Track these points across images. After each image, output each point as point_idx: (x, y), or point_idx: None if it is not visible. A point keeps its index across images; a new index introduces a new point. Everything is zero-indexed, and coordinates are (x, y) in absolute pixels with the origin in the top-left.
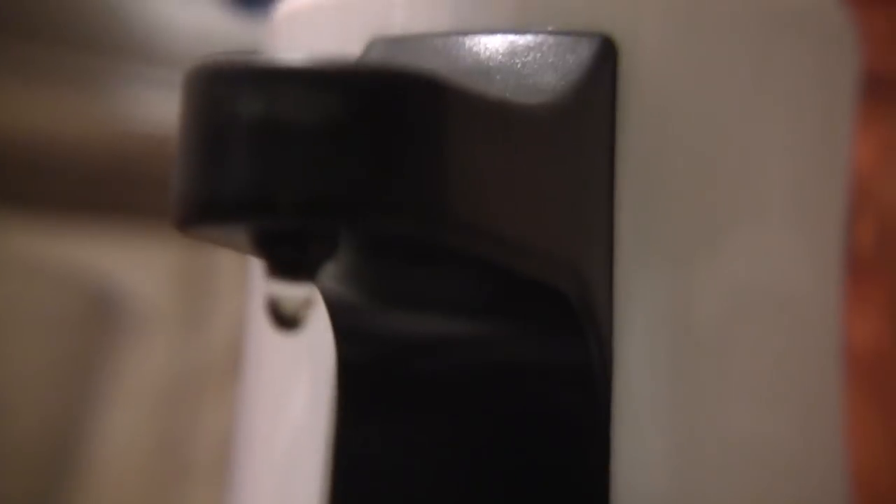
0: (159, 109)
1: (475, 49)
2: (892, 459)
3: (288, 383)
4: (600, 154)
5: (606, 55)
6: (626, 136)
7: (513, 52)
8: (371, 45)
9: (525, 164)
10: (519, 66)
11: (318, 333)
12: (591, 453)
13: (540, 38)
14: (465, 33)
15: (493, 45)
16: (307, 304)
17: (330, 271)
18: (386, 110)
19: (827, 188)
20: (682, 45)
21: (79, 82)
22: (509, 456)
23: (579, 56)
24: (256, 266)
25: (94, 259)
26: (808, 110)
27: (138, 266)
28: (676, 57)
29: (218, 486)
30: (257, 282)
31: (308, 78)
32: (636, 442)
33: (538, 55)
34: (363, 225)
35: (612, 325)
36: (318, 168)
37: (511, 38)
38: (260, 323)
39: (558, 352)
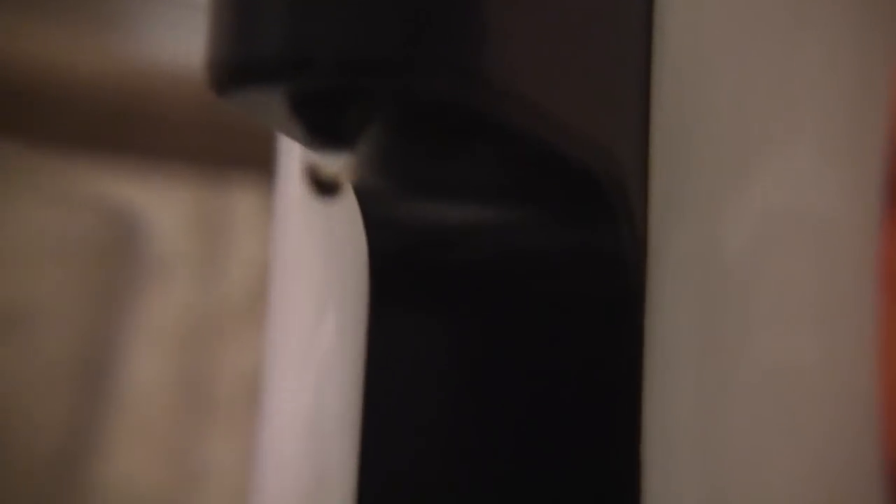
0: (181, 51)
1: None
2: None
3: (320, 310)
4: (639, 43)
5: None
6: (665, 28)
7: None
8: None
9: (565, 36)
10: None
11: (349, 258)
12: (623, 346)
13: None
14: None
15: None
16: (346, 169)
17: (362, 155)
18: None
19: (865, 118)
20: None
21: (101, 19)
22: (539, 349)
23: None
24: (280, 197)
25: (117, 193)
26: (848, 36)
27: (158, 204)
28: None
29: (239, 421)
30: (283, 213)
31: None
32: (667, 344)
33: None
34: (397, 83)
35: (646, 219)
36: (355, 26)
37: None
38: (285, 255)
39: (592, 241)
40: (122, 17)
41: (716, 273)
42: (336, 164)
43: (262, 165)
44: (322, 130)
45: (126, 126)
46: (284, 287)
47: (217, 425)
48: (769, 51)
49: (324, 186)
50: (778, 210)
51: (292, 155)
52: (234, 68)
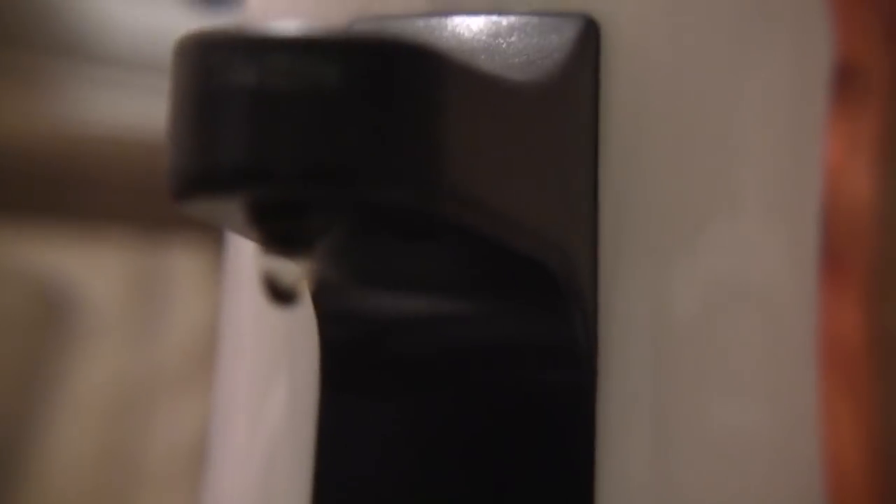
0: (111, 111)
1: (458, 30)
2: (862, 449)
3: (268, 380)
4: (584, 134)
5: (589, 36)
6: (609, 116)
7: (496, 33)
8: (351, 27)
9: (514, 139)
10: (502, 46)
11: (298, 327)
12: (577, 433)
13: (523, 18)
14: (447, 13)
15: (475, 25)
16: (303, 277)
17: (317, 251)
18: (380, 78)
19: (802, 180)
20: (662, 27)
21: (29, 82)
22: (494, 436)
23: (562, 36)
24: (230, 263)
25: (46, 261)
26: (784, 99)
27: (91, 269)
28: (656, 38)
29: (172, 495)
30: (233, 279)
31: (302, 46)
32: (620, 423)
33: (521, 36)
34: (358, 194)
35: (596, 306)
36: (313, 137)
37: (494, 18)
38: (235, 320)
39: (544, 332)
40: (49, 78)
41: (666, 342)
42: (293, 271)
43: (203, 227)
44: (280, 238)
45: (58, 190)
46: (232, 355)
47: (151, 494)
48: (710, 127)
49: (281, 295)
50: (723, 278)
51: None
52: (195, 177)
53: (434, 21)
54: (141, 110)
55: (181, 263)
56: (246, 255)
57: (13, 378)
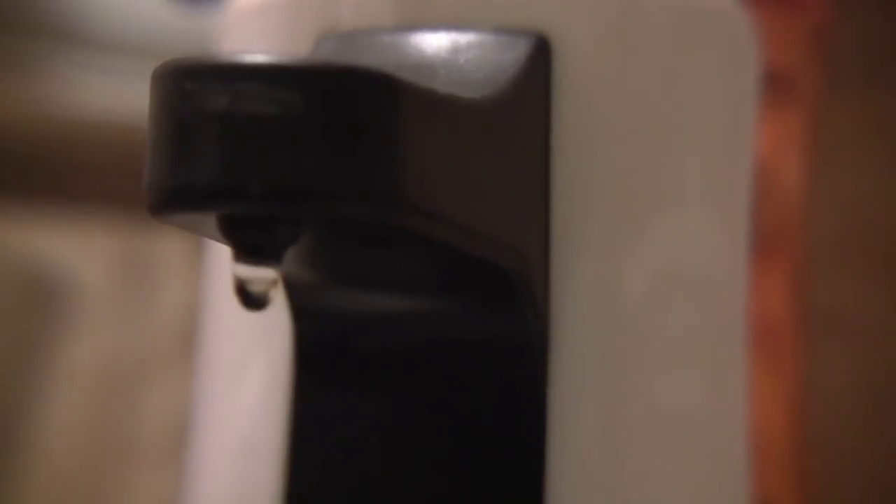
0: (100, 95)
1: (421, 45)
2: (783, 418)
3: (244, 364)
4: (537, 144)
5: (541, 53)
6: (560, 127)
7: (455, 49)
8: (321, 41)
9: (470, 154)
10: (461, 62)
11: (274, 314)
12: (530, 422)
13: (480, 35)
14: (411, 29)
15: (436, 42)
16: (274, 284)
17: (289, 254)
18: (342, 104)
19: (737, 174)
20: (609, 44)
21: (18, 65)
22: (455, 426)
23: (516, 53)
24: (211, 249)
25: (35, 244)
26: (720, 102)
27: (79, 251)
28: (604, 54)
29: (161, 470)
30: (213, 265)
31: (269, 74)
32: (571, 410)
33: (478, 52)
34: (323, 211)
35: (548, 302)
36: (281, 158)
37: (454, 35)
38: (215, 305)
39: (499, 328)
40: (39, 62)
41: (615, 326)
42: (265, 278)
43: None
44: (251, 248)
45: (46, 172)
46: (212, 338)
47: (140, 470)
48: (654, 129)
49: (252, 301)
50: (667, 267)
51: None
52: (170, 194)
53: (398, 37)
54: (130, 94)
55: (167, 246)
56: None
57: (5, 359)
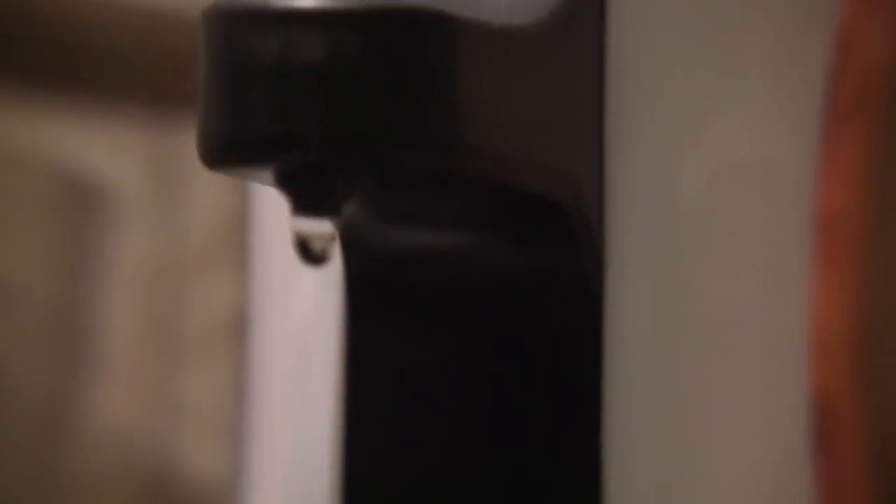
0: None
1: None
2: (845, 319)
3: (298, 274)
4: (591, 62)
5: None
6: (615, 38)
7: None
8: None
9: (525, 85)
10: None
11: None
12: (584, 354)
13: None
14: None
15: None
16: (333, 239)
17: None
18: (399, 48)
19: (805, 57)
20: None
21: None
22: (507, 364)
23: None
24: None
25: (69, 145)
26: None
27: (112, 150)
28: None
29: (212, 358)
30: None
31: (321, 18)
32: (626, 339)
33: None
34: (382, 158)
35: (603, 232)
36: (338, 106)
37: None
38: (261, 211)
39: (552, 260)
40: None
41: (672, 220)
42: (324, 233)
43: None
44: (309, 201)
45: (77, 61)
46: (262, 242)
47: (191, 363)
48: (716, 10)
49: (313, 257)
50: (730, 160)
51: None
52: (225, 147)
53: None
54: None
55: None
56: None
57: (54, 259)
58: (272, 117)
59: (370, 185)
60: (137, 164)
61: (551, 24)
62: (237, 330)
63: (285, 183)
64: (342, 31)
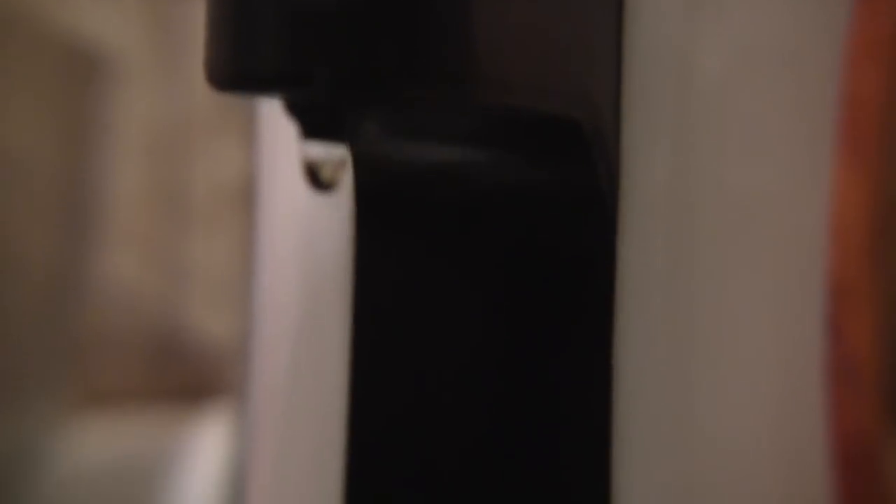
0: None
1: None
2: (865, 217)
3: None
4: None
5: None
6: None
7: None
8: None
9: (540, 8)
10: None
11: None
12: (597, 269)
13: None
14: None
15: None
16: (342, 165)
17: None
18: None
19: None
20: None
21: None
22: (520, 284)
23: None
24: None
25: (71, 13)
26: None
27: (116, 18)
28: None
29: (219, 230)
30: None
31: None
32: (640, 254)
33: None
34: (394, 96)
35: (619, 150)
36: (348, 42)
37: None
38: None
39: (567, 178)
40: None
41: (689, 107)
42: (333, 160)
43: None
44: (319, 130)
45: None
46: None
47: (198, 227)
48: None
49: (322, 184)
50: (750, 44)
51: None
52: (233, 75)
53: None
54: None
55: (199, 10)
56: None
57: (60, 129)
58: (281, 53)
59: (382, 113)
60: (141, 31)
61: None
62: (245, 196)
63: (294, 110)
64: None
